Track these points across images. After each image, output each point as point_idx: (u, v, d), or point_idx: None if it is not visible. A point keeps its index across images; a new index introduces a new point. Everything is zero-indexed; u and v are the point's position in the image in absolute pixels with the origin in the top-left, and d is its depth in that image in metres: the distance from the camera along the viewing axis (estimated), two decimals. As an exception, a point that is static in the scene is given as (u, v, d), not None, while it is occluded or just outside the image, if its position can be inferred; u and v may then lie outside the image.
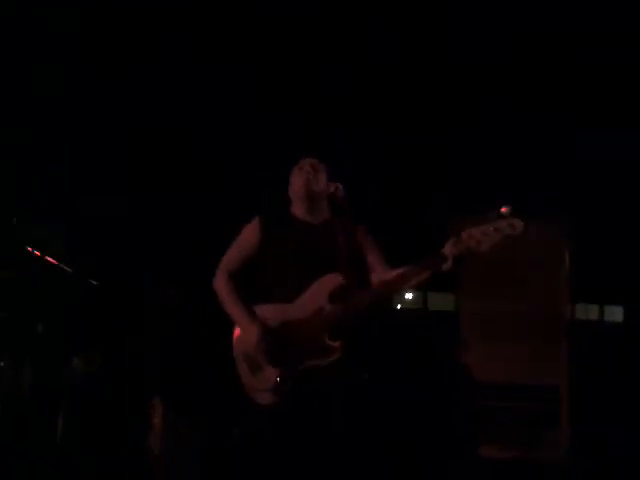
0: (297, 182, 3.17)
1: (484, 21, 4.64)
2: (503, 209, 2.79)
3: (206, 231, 4.88)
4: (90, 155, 4.92)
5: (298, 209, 3.19)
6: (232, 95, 4.93)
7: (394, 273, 2.95)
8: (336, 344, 2.91)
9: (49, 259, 3.98)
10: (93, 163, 4.92)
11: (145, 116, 4.99)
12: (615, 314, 6.74)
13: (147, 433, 4.09)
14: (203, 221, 4.92)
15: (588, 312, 5.34)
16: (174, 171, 5.03)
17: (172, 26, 4.85)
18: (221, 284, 3.15)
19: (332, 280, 2.98)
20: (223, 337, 4.15)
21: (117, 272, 4.44)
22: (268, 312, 3.04)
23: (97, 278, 4.07)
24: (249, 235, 3.16)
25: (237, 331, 3.10)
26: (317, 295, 2.98)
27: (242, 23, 4.79)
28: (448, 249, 2.85)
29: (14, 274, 3.93)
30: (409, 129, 4.94)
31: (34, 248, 3.95)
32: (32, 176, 4.80)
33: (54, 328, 4.01)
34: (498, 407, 4.05)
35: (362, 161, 4.90)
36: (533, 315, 4.25)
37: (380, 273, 3.03)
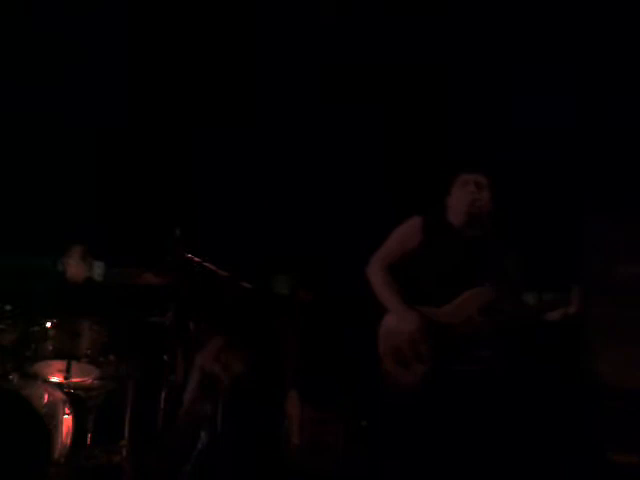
0: (460, 198, 3.30)
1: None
2: None
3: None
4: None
5: (456, 220, 3.32)
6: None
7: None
8: (482, 354, 3.06)
9: (208, 265, 4.48)
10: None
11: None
12: None
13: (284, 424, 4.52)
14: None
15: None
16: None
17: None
18: (378, 273, 3.28)
19: (484, 293, 3.14)
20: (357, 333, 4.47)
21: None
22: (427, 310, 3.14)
23: (248, 281, 4.52)
24: (410, 233, 3.31)
25: (385, 325, 3.22)
26: (467, 305, 3.13)
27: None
28: None
29: (176, 280, 4.45)
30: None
31: (194, 255, 4.47)
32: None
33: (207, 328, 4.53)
34: (629, 411, 4.01)
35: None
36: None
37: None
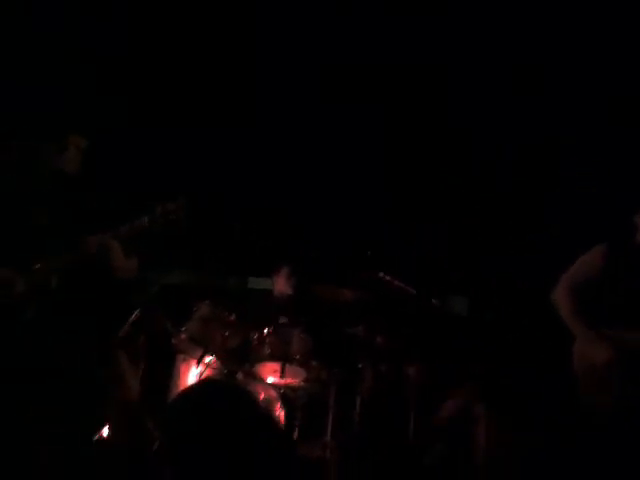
0: None
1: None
2: None
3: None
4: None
5: None
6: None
7: None
8: None
9: (396, 282, 4.98)
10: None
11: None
12: None
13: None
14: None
15: None
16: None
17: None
18: (564, 300, 3.41)
19: None
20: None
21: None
22: (618, 335, 3.26)
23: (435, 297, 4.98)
24: (595, 260, 3.45)
25: (578, 349, 3.32)
26: None
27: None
28: None
29: (370, 295, 4.97)
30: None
31: (385, 274, 4.99)
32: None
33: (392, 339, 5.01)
34: None
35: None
36: None
37: None
